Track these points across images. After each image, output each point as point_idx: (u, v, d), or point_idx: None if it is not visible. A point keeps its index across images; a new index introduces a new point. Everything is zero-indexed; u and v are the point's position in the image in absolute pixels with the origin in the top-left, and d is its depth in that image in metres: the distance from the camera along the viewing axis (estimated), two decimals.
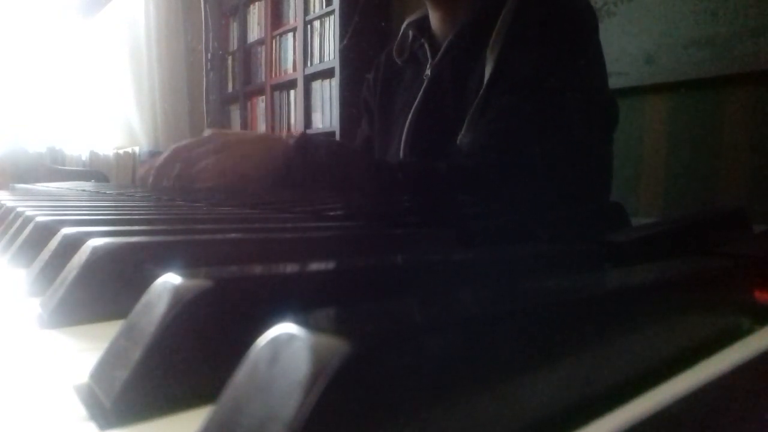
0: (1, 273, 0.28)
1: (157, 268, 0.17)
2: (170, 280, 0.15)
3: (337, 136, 2.41)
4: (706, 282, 0.20)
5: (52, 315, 0.19)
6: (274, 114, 3.05)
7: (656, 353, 0.16)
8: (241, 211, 0.48)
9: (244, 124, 3.27)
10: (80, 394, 0.14)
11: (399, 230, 0.34)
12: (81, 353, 0.17)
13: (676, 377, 0.15)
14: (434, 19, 0.84)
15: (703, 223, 0.32)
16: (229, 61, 3.42)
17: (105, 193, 0.82)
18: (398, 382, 0.10)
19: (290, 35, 2.91)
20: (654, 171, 1.39)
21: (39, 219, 0.32)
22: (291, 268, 0.18)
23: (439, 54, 0.80)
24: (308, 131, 2.72)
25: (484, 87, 0.69)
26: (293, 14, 2.89)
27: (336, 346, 0.09)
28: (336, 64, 2.46)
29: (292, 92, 2.93)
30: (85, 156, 3.34)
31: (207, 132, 0.73)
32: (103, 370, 0.14)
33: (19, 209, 0.40)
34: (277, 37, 3.00)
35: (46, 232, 0.30)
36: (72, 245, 0.24)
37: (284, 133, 2.90)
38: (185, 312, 0.14)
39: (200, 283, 0.14)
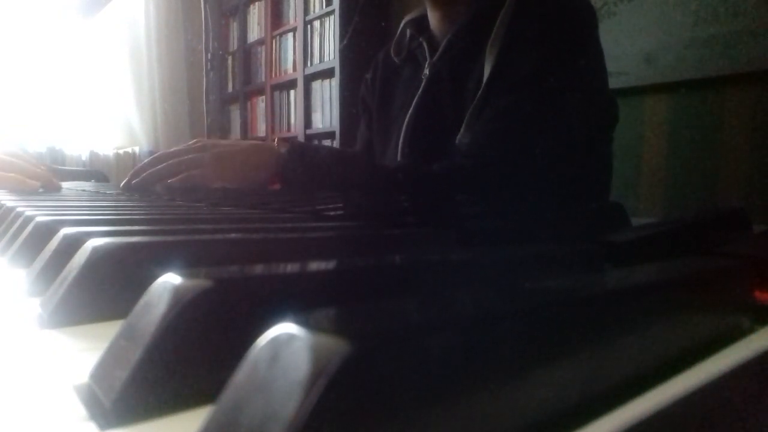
0: (1, 273, 0.28)
1: (157, 268, 0.17)
2: (170, 280, 0.15)
3: (337, 136, 2.41)
4: (706, 282, 0.20)
5: (52, 315, 0.19)
6: (274, 114, 3.05)
7: (656, 353, 0.16)
8: (241, 211, 0.48)
9: (244, 124, 3.27)
10: (80, 394, 0.14)
11: (399, 230, 0.34)
12: (81, 353, 0.17)
13: (676, 377, 0.15)
14: (433, 18, 0.83)
15: (703, 223, 0.32)
16: (229, 61, 3.42)
17: (105, 193, 0.82)
18: (398, 382, 0.10)
19: (290, 35, 2.91)
20: (654, 171, 1.39)
21: (39, 219, 0.32)
22: (291, 268, 0.18)
23: (438, 53, 0.80)
24: (308, 131, 2.72)
25: (483, 86, 0.69)
26: (293, 14, 2.89)
27: (336, 346, 0.09)
28: (336, 64, 2.46)
29: (292, 92, 2.93)
30: (85, 156, 3.34)
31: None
32: (103, 370, 0.14)
33: (19, 209, 0.40)
34: (277, 37, 3.00)
35: (46, 232, 0.30)
36: (72, 245, 0.24)
37: (275, 140, 2.89)
38: (185, 312, 0.14)
39: (200, 283, 0.14)
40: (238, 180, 0.66)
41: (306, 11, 2.72)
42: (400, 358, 0.10)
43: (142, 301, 0.15)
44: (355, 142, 1.02)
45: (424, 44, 0.83)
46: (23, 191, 0.69)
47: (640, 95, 1.41)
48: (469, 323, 0.12)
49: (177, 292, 0.14)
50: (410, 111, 0.80)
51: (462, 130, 0.70)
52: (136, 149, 3.35)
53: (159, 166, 0.68)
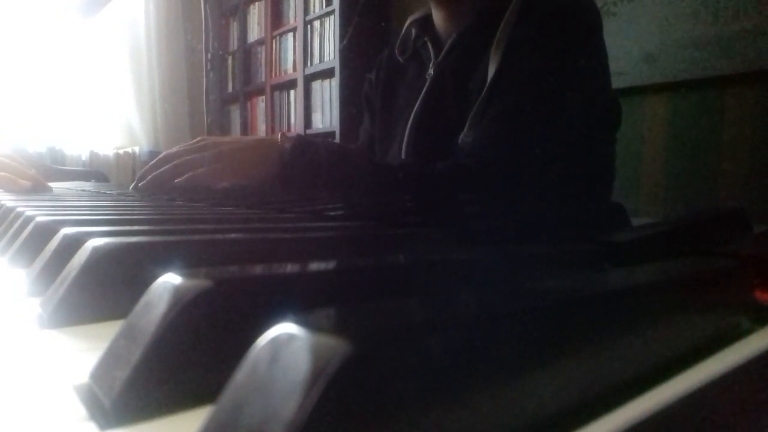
0: (1, 273, 0.28)
1: (157, 268, 0.17)
2: (170, 280, 0.15)
3: (337, 136, 2.40)
4: (706, 282, 0.20)
5: (52, 315, 0.19)
6: (274, 114, 3.05)
7: (657, 353, 0.16)
8: (241, 211, 0.48)
9: (244, 124, 3.27)
10: (80, 394, 0.14)
11: (400, 230, 0.34)
12: (81, 353, 0.17)
13: (676, 377, 0.15)
14: (437, 18, 0.83)
15: (703, 223, 0.32)
16: (229, 61, 3.42)
17: (105, 193, 0.82)
18: (398, 382, 0.10)
19: (290, 35, 2.91)
20: (654, 171, 1.39)
21: (39, 219, 0.32)
22: (291, 268, 0.18)
23: (443, 53, 0.80)
24: (308, 131, 2.72)
25: (487, 86, 0.69)
26: (293, 14, 2.89)
27: (336, 346, 0.09)
28: (336, 64, 2.46)
29: (292, 92, 2.92)
30: (85, 156, 3.34)
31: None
32: (103, 370, 0.14)
33: (19, 209, 0.40)
34: (277, 37, 3.00)
35: (46, 232, 0.30)
36: (72, 245, 0.24)
37: (279, 134, 2.89)
38: (185, 312, 0.14)
39: (200, 283, 0.14)
40: (242, 177, 0.66)
41: (306, 11, 2.72)
42: (400, 358, 0.10)
43: (142, 301, 0.15)
44: (356, 141, 1.02)
45: (429, 44, 0.83)
46: (15, 191, 0.69)
47: (640, 95, 1.41)
48: (469, 323, 0.12)
49: (177, 292, 0.14)
50: (414, 110, 0.80)
51: (465, 129, 0.70)
52: (136, 149, 3.35)
53: (165, 167, 0.68)
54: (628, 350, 0.15)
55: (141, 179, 0.71)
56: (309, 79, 2.73)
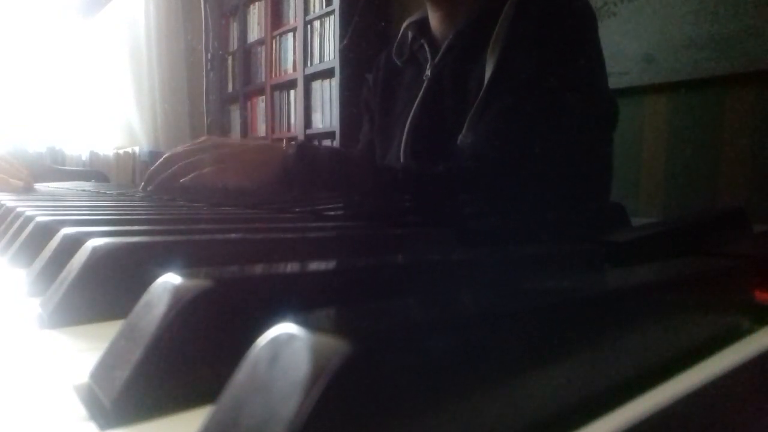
0: (1, 273, 0.28)
1: (157, 268, 0.17)
2: (170, 280, 0.15)
3: (337, 136, 2.40)
4: (706, 282, 0.20)
5: (52, 315, 0.19)
6: (274, 114, 3.05)
7: (657, 353, 0.16)
8: (241, 211, 0.48)
9: (244, 124, 3.26)
10: (80, 394, 0.14)
11: (399, 231, 0.34)
12: (81, 353, 0.17)
13: (676, 377, 0.15)
14: (434, 20, 0.84)
15: (703, 223, 0.32)
16: (229, 61, 3.41)
17: (105, 193, 0.82)
18: (398, 382, 0.10)
19: (290, 35, 2.91)
20: (654, 171, 1.39)
21: (39, 219, 0.32)
22: (291, 268, 0.18)
23: (439, 54, 0.80)
24: (308, 131, 2.71)
25: (484, 87, 0.69)
26: (293, 14, 2.89)
27: (336, 346, 0.09)
28: (336, 64, 2.45)
29: (292, 92, 2.92)
30: (85, 156, 3.34)
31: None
32: (103, 370, 0.14)
33: (19, 209, 0.40)
34: (277, 37, 3.00)
35: (46, 232, 0.30)
36: (72, 245, 0.24)
37: (283, 137, 2.90)
38: (185, 312, 0.14)
39: (200, 283, 0.14)
40: (247, 179, 0.66)
41: (306, 11, 2.72)
42: (400, 358, 0.10)
43: (142, 301, 0.15)
44: (356, 142, 1.02)
45: (426, 46, 0.83)
46: (8, 191, 0.70)
47: (640, 95, 1.40)
48: (469, 323, 0.12)
49: (177, 292, 0.14)
50: (412, 112, 0.80)
51: (464, 131, 0.70)
52: (136, 149, 3.35)
53: (172, 169, 0.68)
54: (628, 350, 0.15)
55: (149, 181, 0.71)
56: (309, 79, 2.73)
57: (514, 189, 0.62)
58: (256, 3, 3.19)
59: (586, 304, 0.15)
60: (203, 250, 0.23)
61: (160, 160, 0.70)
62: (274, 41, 3.02)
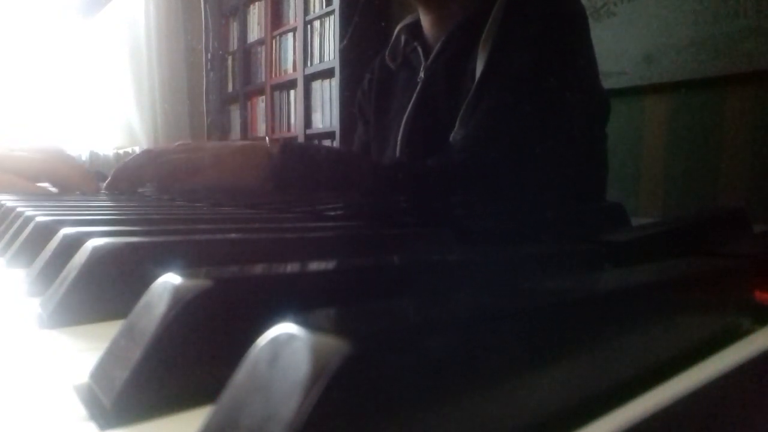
0: (1, 273, 0.28)
1: (157, 268, 0.17)
2: (170, 280, 0.15)
3: (337, 136, 2.40)
4: (706, 282, 0.20)
5: (52, 315, 0.19)
6: (274, 114, 3.05)
7: (657, 353, 0.16)
8: (241, 211, 0.48)
9: (244, 124, 3.26)
10: (80, 394, 0.14)
11: (398, 230, 0.34)
12: (81, 353, 0.17)
13: (676, 377, 0.15)
14: (426, 23, 0.84)
15: (703, 223, 0.32)
16: (229, 61, 3.41)
17: (105, 193, 0.82)
18: (397, 382, 0.10)
19: (290, 35, 2.90)
20: (654, 171, 1.39)
21: (39, 219, 0.32)
22: (291, 268, 0.18)
23: (432, 56, 0.81)
24: (308, 131, 2.72)
25: (474, 85, 0.70)
26: (293, 14, 2.89)
27: (336, 346, 0.09)
28: (336, 64, 2.45)
29: (292, 92, 2.92)
30: (85, 156, 3.34)
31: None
32: (103, 370, 0.14)
33: (19, 209, 0.40)
34: (277, 37, 3.00)
35: (46, 232, 0.30)
36: (72, 245, 0.24)
37: (283, 137, 2.89)
38: (185, 312, 0.14)
39: (200, 283, 0.14)
40: (231, 180, 0.66)
41: (306, 11, 2.72)
42: (400, 358, 0.10)
43: (142, 301, 0.15)
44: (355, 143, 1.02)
45: (419, 49, 0.84)
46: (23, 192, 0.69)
47: (640, 95, 1.41)
48: (468, 323, 0.12)
49: (177, 292, 0.14)
50: (407, 114, 0.81)
51: (456, 127, 0.70)
52: (136, 149, 3.34)
53: (148, 166, 0.67)
54: (628, 350, 0.15)
55: (118, 176, 0.69)
56: (309, 79, 2.73)
57: (506, 183, 0.62)
58: (256, 3, 3.19)
59: (585, 304, 0.15)
60: (203, 250, 0.23)
61: (132, 157, 0.69)
62: (274, 41, 3.02)
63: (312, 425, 0.09)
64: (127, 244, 0.21)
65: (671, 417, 0.13)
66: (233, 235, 0.26)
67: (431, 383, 0.10)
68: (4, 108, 3.02)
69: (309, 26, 2.88)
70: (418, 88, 0.81)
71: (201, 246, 0.24)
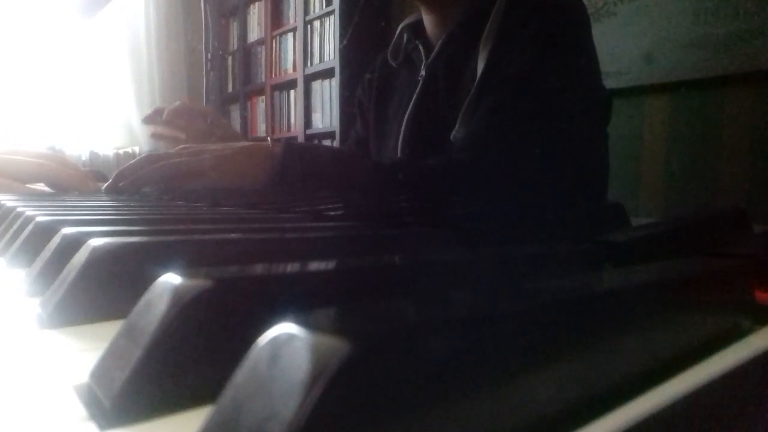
0: (1, 273, 0.28)
1: (157, 268, 0.17)
2: (170, 280, 0.15)
3: (337, 136, 2.41)
4: (706, 282, 0.20)
5: (52, 315, 0.19)
6: (274, 114, 3.05)
7: (656, 353, 0.16)
8: (241, 211, 0.48)
9: (244, 124, 3.26)
10: (80, 394, 0.14)
11: (398, 230, 0.34)
12: (81, 353, 0.17)
13: (676, 377, 0.15)
14: (428, 22, 0.84)
15: (703, 223, 0.32)
16: (229, 61, 3.42)
17: (105, 193, 0.82)
18: (398, 381, 0.10)
19: (290, 35, 2.91)
20: (654, 171, 1.39)
21: (39, 219, 0.32)
22: (291, 268, 0.18)
23: (433, 54, 0.81)
24: (308, 131, 2.72)
25: (475, 83, 0.70)
26: (293, 14, 2.89)
27: (336, 346, 0.09)
28: (336, 64, 2.46)
29: (292, 92, 2.92)
30: (85, 156, 3.34)
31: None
32: (103, 370, 0.14)
33: (19, 209, 0.40)
34: (277, 37, 3.00)
35: (46, 232, 0.30)
36: (72, 245, 0.24)
37: (282, 137, 2.89)
38: (185, 312, 0.14)
39: (200, 283, 0.14)
40: (234, 182, 0.66)
41: (306, 11, 2.72)
42: (400, 358, 0.10)
43: (142, 301, 0.15)
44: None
45: (420, 47, 0.84)
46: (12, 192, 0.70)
47: (640, 95, 1.41)
48: (468, 323, 0.12)
49: (177, 291, 0.14)
50: (408, 112, 0.81)
51: (457, 126, 0.70)
52: (136, 149, 3.35)
53: (150, 168, 0.67)
54: (628, 350, 0.15)
55: (120, 178, 0.69)
56: (309, 79, 2.73)
57: (506, 182, 0.62)
58: (256, 3, 3.19)
59: (585, 304, 0.15)
60: (203, 250, 0.23)
61: (136, 159, 0.69)
62: (274, 41, 3.03)
63: (312, 425, 0.09)
64: (127, 244, 0.21)
65: (671, 417, 0.13)
66: (233, 235, 0.26)
67: (431, 383, 0.10)
68: (4, 108, 3.02)
69: (309, 26, 2.87)
70: (420, 85, 0.81)
71: (201, 246, 0.24)
